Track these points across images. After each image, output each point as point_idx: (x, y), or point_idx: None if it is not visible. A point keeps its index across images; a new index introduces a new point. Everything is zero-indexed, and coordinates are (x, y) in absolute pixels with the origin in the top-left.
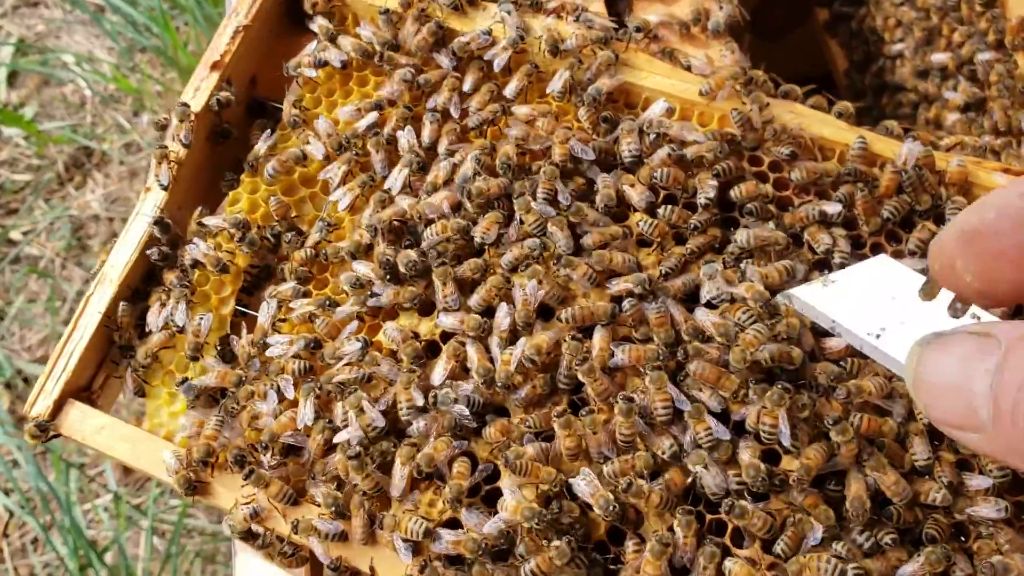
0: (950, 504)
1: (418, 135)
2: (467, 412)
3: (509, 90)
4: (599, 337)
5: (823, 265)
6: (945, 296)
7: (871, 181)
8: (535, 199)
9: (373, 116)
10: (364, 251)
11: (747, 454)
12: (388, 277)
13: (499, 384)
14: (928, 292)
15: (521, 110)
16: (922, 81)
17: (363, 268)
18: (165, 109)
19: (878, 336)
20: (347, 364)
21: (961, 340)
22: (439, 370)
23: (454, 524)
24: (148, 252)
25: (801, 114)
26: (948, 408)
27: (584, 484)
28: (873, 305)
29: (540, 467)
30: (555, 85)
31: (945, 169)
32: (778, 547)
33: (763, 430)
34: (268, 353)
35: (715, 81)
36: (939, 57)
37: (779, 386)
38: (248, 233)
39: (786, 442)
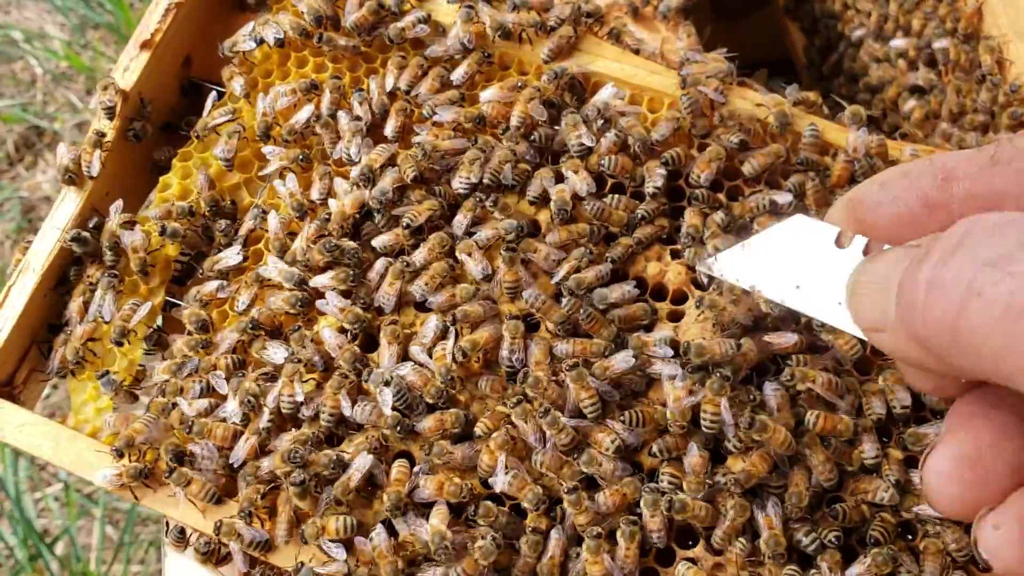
0: (897, 503)
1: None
2: (389, 400)
3: (457, 75)
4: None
5: None
6: (859, 242)
7: (823, 170)
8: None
9: (308, 110)
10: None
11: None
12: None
13: (440, 381)
14: (841, 241)
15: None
16: (881, 66)
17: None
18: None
19: (798, 287)
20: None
21: (895, 250)
22: (386, 355)
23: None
24: (67, 244)
25: (751, 99)
26: (869, 309)
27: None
28: (792, 261)
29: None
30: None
31: (899, 158)
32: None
33: (704, 419)
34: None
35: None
36: (898, 43)
37: (718, 374)
38: (168, 223)
39: (730, 433)
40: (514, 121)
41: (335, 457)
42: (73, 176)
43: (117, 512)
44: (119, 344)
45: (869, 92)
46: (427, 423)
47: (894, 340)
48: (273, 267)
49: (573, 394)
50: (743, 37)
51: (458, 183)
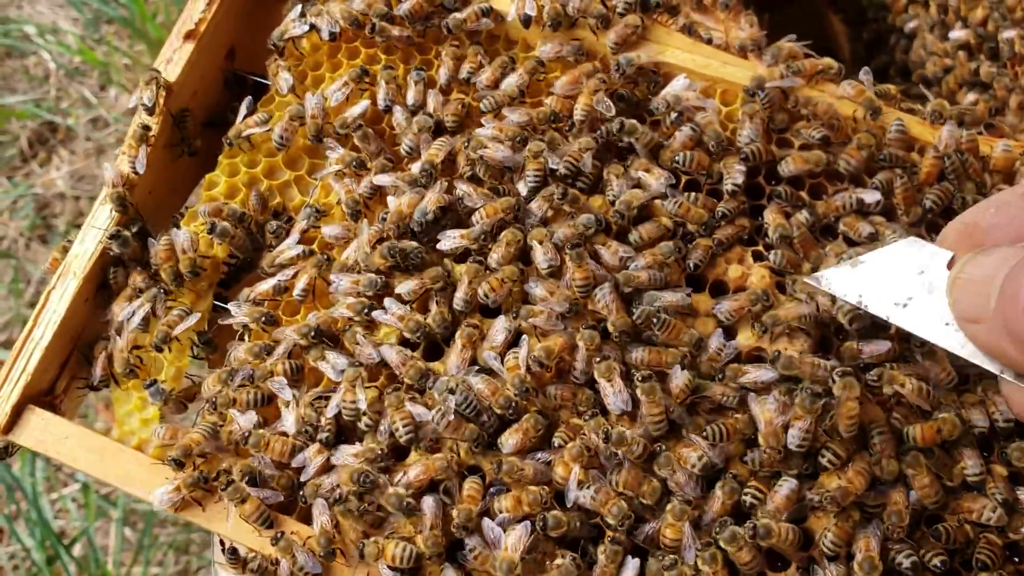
0: (1005, 524)
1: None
2: (452, 406)
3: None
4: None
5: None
6: None
7: (910, 167)
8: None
9: (364, 104)
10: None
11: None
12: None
13: (515, 393)
14: (954, 264)
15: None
16: (938, 58)
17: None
18: (134, 84)
19: (905, 305)
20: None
21: (1005, 248)
22: (454, 360)
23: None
24: (108, 245)
25: (831, 92)
26: (969, 301)
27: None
28: (901, 279)
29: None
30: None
31: (990, 154)
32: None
33: (791, 436)
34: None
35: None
36: (958, 34)
37: (808, 391)
38: (219, 222)
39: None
40: (578, 115)
41: (405, 501)
42: (124, 200)
43: (135, 514)
44: (159, 350)
45: (924, 85)
46: (511, 441)
47: (990, 333)
48: (346, 278)
49: (643, 408)
50: (781, 27)
51: (528, 178)
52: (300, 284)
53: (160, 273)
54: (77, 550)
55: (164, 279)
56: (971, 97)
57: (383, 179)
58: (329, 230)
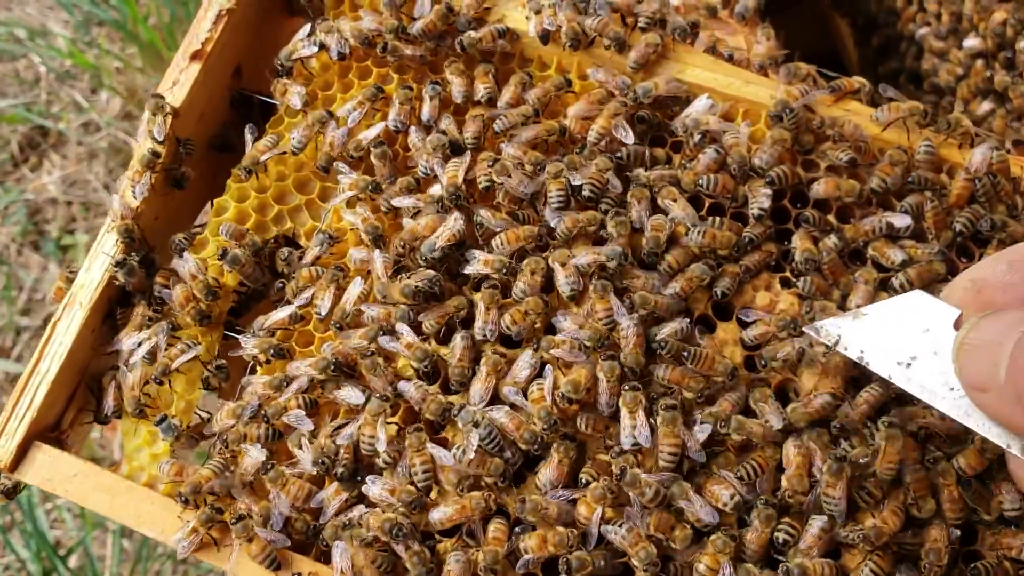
0: None
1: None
2: (475, 441)
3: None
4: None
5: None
6: None
7: (940, 189)
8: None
9: (379, 127)
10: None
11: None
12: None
13: (542, 428)
14: (961, 324)
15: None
16: (951, 66)
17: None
18: (125, 88)
19: (908, 365)
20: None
21: (1016, 311)
22: (477, 389)
23: None
24: (114, 276)
25: (856, 112)
26: (976, 368)
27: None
28: (905, 337)
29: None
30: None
31: (1021, 176)
32: None
33: (825, 502)
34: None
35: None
36: (972, 42)
37: (835, 456)
38: (231, 249)
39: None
40: (591, 136)
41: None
42: (132, 234)
43: None
44: (158, 383)
45: (935, 93)
46: (547, 476)
47: (999, 402)
48: (378, 309)
49: (660, 438)
50: (788, 30)
51: (552, 200)
52: (325, 303)
53: (186, 316)
54: (73, 561)
55: (190, 320)
56: (986, 106)
57: (404, 201)
58: (357, 253)
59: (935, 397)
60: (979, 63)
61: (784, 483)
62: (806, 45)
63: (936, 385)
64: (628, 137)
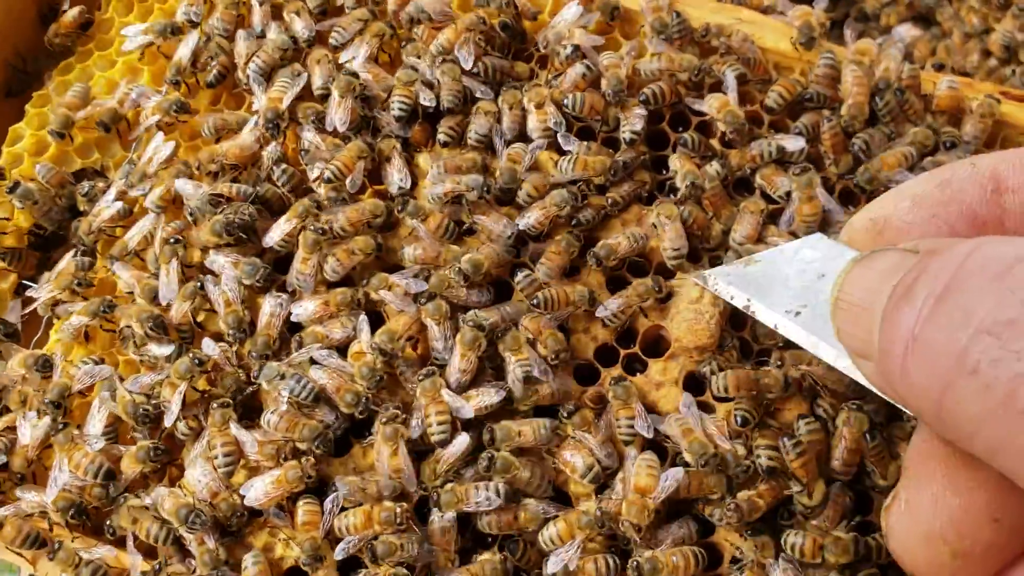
0: None
1: None
2: (285, 394)
3: None
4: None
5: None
6: None
7: (838, 108)
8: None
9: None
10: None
11: None
12: None
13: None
14: None
15: None
16: None
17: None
18: None
19: (797, 314)
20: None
21: (887, 255)
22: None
23: None
24: None
25: (751, 21)
26: (853, 331)
27: None
28: (798, 284)
29: None
30: None
31: (932, 92)
32: None
33: None
34: None
35: None
36: None
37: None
38: (24, 182)
39: None
40: (433, 47)
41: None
42: None
43: None
44: None
45: (863, 20)
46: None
47: (875, 375)
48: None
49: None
50: None
51: (395, 107)
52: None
53: None
54: None
55: None
56: (911, 32)
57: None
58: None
59: (823, 350)
60: None
61: None
62: None
63: (825, 336)
64: (467, 61)
